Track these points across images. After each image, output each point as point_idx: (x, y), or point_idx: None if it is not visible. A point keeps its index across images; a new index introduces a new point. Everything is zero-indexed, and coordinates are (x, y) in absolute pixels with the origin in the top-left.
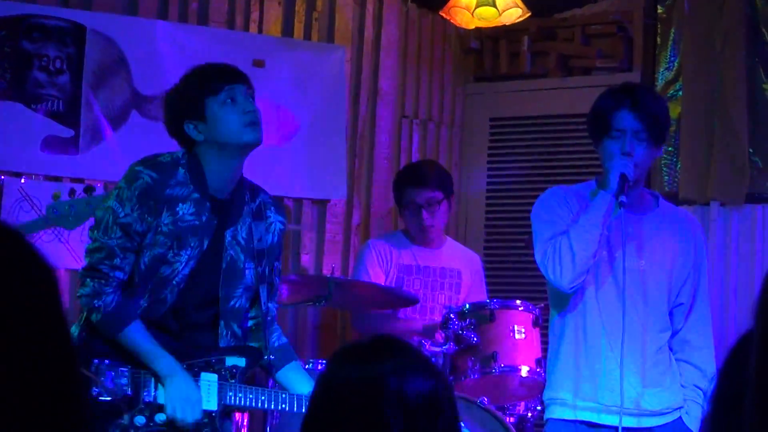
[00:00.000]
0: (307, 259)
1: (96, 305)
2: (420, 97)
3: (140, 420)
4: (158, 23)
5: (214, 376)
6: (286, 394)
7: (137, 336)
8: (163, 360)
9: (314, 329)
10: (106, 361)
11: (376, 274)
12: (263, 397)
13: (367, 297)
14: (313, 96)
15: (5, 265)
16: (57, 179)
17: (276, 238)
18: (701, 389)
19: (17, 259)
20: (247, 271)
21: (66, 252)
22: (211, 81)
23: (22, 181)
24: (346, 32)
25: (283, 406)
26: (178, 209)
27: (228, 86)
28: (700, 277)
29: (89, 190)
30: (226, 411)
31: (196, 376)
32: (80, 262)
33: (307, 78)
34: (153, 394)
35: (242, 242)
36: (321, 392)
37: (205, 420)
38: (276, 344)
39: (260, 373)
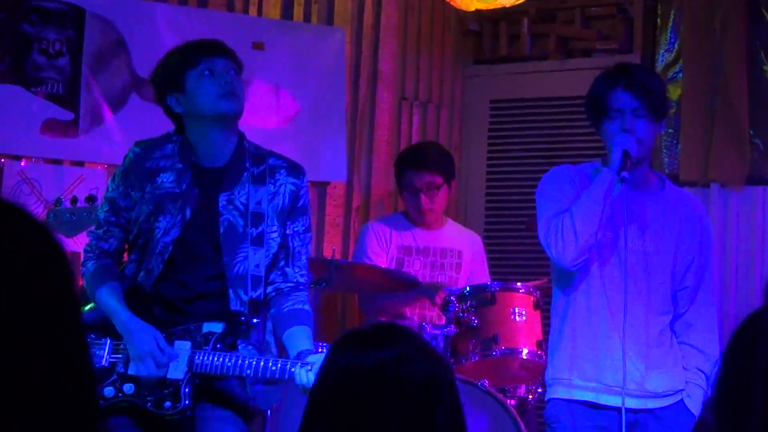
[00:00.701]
0: None
1: (81, 272)
2: (420, 80)
3: (109, 392)
4: (158, 6)
5: (188, 344)
6: (253, 359)
7: (105, 296)
8: (119, 317)
9: (314, 311)
10: (92, 335)
11: (377, 256)
12: (229, 363)
13: (367, 279)
14: (312, 78)
15: (13, 240)
16: (57, 162)
17: (287, 201)
18: (704, 372)
19: (25, 234)
20: (248, 236)
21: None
22: (190, 54)
23: (22, 164)
24: (346, 14)
25: (248, 371)
26: (158, 179)
27: (206, 59)
28: (705, 261)
29: (91, 199)
30: (196, 378)
31: (171, 344)
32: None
33: (307, 60)
34: (126, 365)
35: (240, 207)
36: (322, 379)
37: (170, 388)
38: (286, 310)
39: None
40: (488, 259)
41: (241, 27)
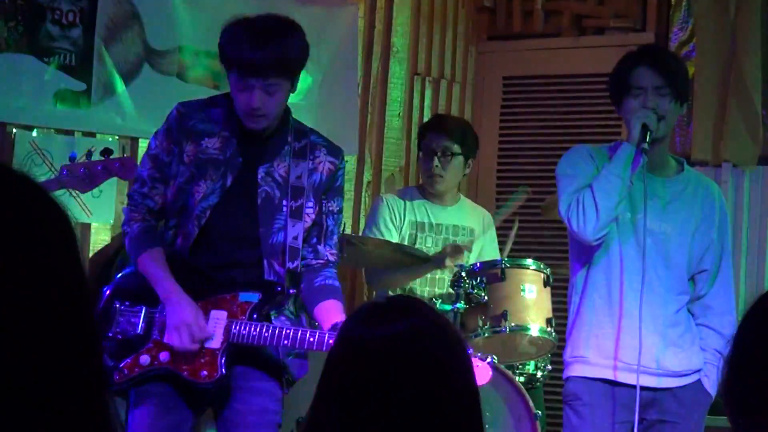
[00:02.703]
0: None
1: (125, 230)
2: (433, 55)
3: (145, 359)
4: None
5: (224, 313)
6: (291, 329)
7: (148, 262)
8: (163, 285)
9: None
10: (126, 303)
11: (388, 231)
12: (266, 333)
13: (378, 254)
14: (325, 53)
15: (18, 209)
16: (68, 133)
17: (324, 177)
18: (721, 354)
19: (32, 205)
20: (285, 208)
21: (76, 206)
22: (230, 60)
23: (34, 134)
24: None
25: (285, 341)
26: (202, 142)
27: (241, 77)
28: (724, 244)
29: (107, 152)
30: (234, 348)
31: (207, 313)
32: (91, 216)
33: (320, 35)
34: (162, 332)
35: (279, 179)
36: (336, 353)
37: (206, 357)
38: (317, 285)
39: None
40: (499, 235)
41: (254, 1)
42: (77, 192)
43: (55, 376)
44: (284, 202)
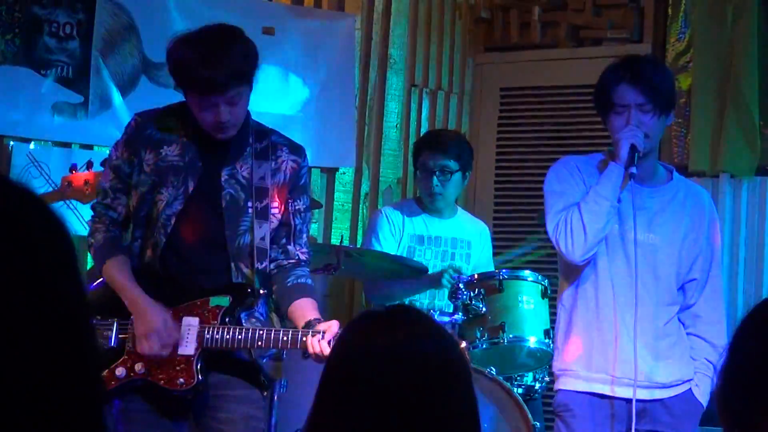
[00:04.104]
0: (315, 228)
1: (89, 242)
2: (430, 66)
3: (121, 372)
4: None
5: (196, 320)
6: (263, 330)
7: (114, 270)
8: (128, 293)
9: (322, 298)
10: (98, 317)
11: (387, 243)
12: (240, 336)
13: (376, 266)
14: (322, 64)
15: (20, 222)
16: (66, 145)
17: (287, 177)
18: (712, 363)
19: (31, 217)
20: (249, 209)
21: (74, 218)
22: (185, 81)
23: (31, 146)
24: (356, 0)
25: (259, 343)
26: (162, 150)
27: (202, 96)
28: (713, 253)
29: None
30: (209, 354)
31: (179, 321)
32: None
33: (317, 46)
34: (135, 343)
35: (243, 181)
36: (334, 362)
37: (181, 365)
38: (289, 284)
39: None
40: (497, 246)
41: (251, 12)
42: (75, 204)
43: (53, 388)
44: (249, 204)
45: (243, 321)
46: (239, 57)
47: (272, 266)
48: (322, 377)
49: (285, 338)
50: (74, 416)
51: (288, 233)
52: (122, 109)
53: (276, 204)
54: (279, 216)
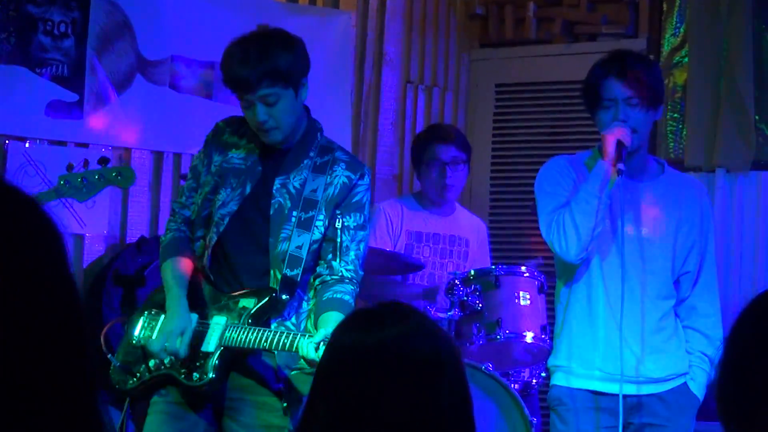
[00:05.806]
0: None
1: (161, 239)
2: (425, 63)
3: (154, 364)
4: None
5: (223, 319)
6: (270, 332)
7: (166, 270)
8: (169, 293)
9: None
10: (153, 311)
11: (383, 239)
12: (252, 336)
13: (372, 262)
14: (318, 61)
15: (16, 227)
16: (61, 144)
17: (337, 191)
18: (707, 356)
19: (22, 216)
20: (293, 218)
21: (70, 217)
22: (227, 82)
23: (27, 145)
24: None
25: (265, 344)
26: (230, 153)
27: (239, 96)
28: (707, 245)
29: (104, 161)
30: (231, 354)
31: (209, 319)
32: (84, 228)
33: (313, 43)
34: None
35: (293, 191)
36: (327, 359)
37: (201, 361)
38: (326, 298)
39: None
40: (493, 242)
41: (246, 9)
42: (71, 203)
43: (44, 384)
44: (293, 213)
45: (272, 325)
46: (275, 57)
47: (317, 282)
48: (315, 374)
49: (285, 340)
50: (65, 413)
51: (334, 249)
52: (117, 107)
53: (322, 217)
54: (323, 230)
